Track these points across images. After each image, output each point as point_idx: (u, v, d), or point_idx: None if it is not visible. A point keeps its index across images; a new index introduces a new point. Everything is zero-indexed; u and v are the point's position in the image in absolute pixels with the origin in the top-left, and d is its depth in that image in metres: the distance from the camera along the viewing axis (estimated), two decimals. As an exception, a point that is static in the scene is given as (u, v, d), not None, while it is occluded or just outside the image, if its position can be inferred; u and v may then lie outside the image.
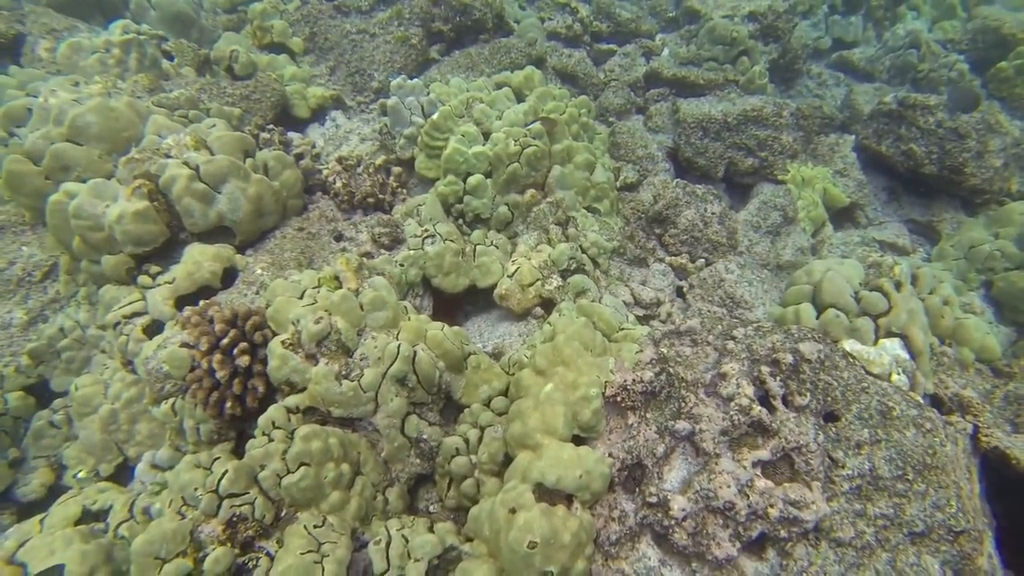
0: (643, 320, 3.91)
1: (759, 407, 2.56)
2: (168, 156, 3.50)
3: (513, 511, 2.16)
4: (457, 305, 4.00)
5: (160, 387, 3.02)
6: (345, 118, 5.13)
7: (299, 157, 4.47)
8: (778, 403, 2.67)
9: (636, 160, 5.06)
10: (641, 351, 2.84)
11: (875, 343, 3.22)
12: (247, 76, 5.08)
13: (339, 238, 3.88)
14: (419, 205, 3.82)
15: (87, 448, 3.09)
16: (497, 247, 3.93)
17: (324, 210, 4.05)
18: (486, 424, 2.79)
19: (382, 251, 3.65)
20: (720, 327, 3.33)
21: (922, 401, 3.10)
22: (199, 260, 3.23)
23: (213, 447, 2.87)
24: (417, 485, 3.00)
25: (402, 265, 3.57)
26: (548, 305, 3.65)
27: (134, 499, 2.77)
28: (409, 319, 3.01)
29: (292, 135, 4.75)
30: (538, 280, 3.62)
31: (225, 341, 2.67)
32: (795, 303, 3.58)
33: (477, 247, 3.85)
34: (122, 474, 3.24)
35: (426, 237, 3.71)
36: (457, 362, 2.99)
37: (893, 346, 3.16)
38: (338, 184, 3.88)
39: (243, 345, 2.71)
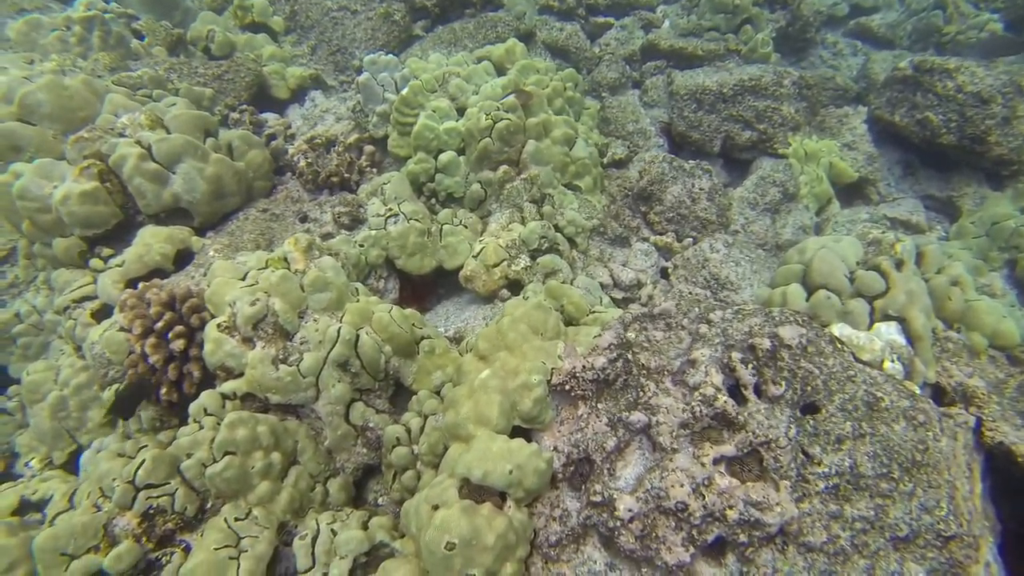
0: (623, 303, 3.67)
1: (725, 397, 2.32)
2: (122, 135, 3.39)
3: (436, 508, 1.97)
4: (429, 287, 3.82)
5: (104, 372, 2.93)
6: (325, 98, 4.97)
7: (271, 137, 4.33)
8: (749, 393, 2.42)
9: (626, 135, 4.78)
10: (600, 335, 2.61)
11: (870, 327, 2.92)
12: (224, 56, 4.96)
13: (304, 219, 3.73)
14: (384, 184, 3.64)
15: (38, 436, 3.02)
16: (466, 226, 3.73)
17: (291, 191, 3.91)
18: (430, 412, 2.61)
19: (343, 231, 3.48)
20: (697, 310, 3.07)
21: (919, 391, 2.80)
22: (150, 242, 3.12)
23: (157, 434, 2.77)
24: (367, 476, 2.85)
25: (362, 245, 3.40)
26: (516, 287, 3.44)
27: (75, 489, 2.68)
28: (358, 301, 2.84)
29: (267, 115, 4.62)
30: (504, 260, 3.40)
31: (160, 325, 2.54)
32: (785, 283, 3.29)
33: (444, 227, 3.66)
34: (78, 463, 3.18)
35: (389, 216, 3.53)
36: (407, 346, 2.81)
37: (889, 330, 2.85)
38: (302, 164, 3.73)
39: (179, 329, 2.58)
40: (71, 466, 3.14)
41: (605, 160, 4.60)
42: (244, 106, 4.38)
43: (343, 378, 2.64)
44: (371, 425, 2.71)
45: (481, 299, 3.50)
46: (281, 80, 4.93)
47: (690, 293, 3.47)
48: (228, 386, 2.61)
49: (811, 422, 2.39)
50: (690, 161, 4.51)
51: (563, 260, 3.57)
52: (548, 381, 2.31)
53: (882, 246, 3.27)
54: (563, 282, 3.39)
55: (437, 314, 3.66)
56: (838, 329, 2.84)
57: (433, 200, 4.00)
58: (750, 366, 2.46)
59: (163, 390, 2.62)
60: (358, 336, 2.65)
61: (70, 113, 3.42)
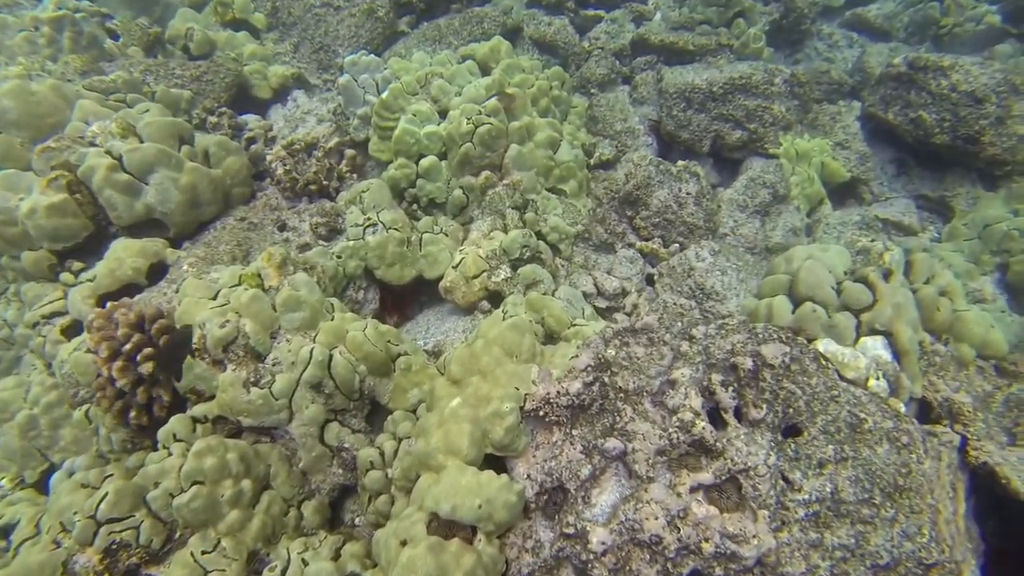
0: (607, 312, 3.61)
1: (704, 423, 2.26)
2: (93, 144, 3.29)
3: (404, 543, 1.93)
4: (411, 296, 3.75)
5: (74, 392, 2.87)
6: (307, 98, 4.86)
7: (251, 141, 4.23)
8: (730, 417, 2.37)
9: (614, 135, 4.68)
10: (576, 355, 2.56)
11: (856, 341, 2.86)
12: (204, 56, 4.84)
13: (283, 228, 3.65)
14: (363, 192, 3.56)
15: (7, 455, 2.97)
16: (447, 234, 3.66)
17: (270, 198, 3.82)
18: (404, 435, 2.56)
19: (320, 242, 3.41)
20: (680, 324, 3.01)
21: (903, 409, 2.75)
22: (121, 256, 3.04)
23: (129, 456, 2.72)
24: (344, 496, 2.80)
25: (339, 257, 3.32)
26: (496, 298, 3.38)
27: (43, 513, 2.63)
28: (333, 318, 2.78)
29: (247, 117, 4.52)
30: (484, 272, 3.33)
31: (128, 347, 2.48)
32: (771, 295, 3.23)
33: (424, 235, 3.58)
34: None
35: (368, 226, 3.45)
36: (382, 365, 2.75)
37: (875, 345, 2.80)
38: (280, 171, 3.63)
39: (148, 351, 2.51)
40: (44, 484, 3.10)
41: (592, 161, 4.51)
42: (223, 109, 4.27)
43: (316, 399, 2.58)
44: (346, 446, 2.66)
45: (460, 311, 3.44)
46: (263, 80, 4.81)
47: (675, 304, 3.41)
48: (199, 409, 2.56)
49: (792, 446, 2.34)
50: (678, 163, 4.42)
51: (545, 270, 3.50)
52: (521, 408, 2.26)
53: (871, 255, 3.20)
54: (544, 293, 3.33)
55: (418, 324, 3.60)
56: (823, 345, 2.79)
57: (415, 206, 3.92)
58: (731, 388, 2.41)
59: (132, 413, 2.56)
60: (331, 356, 2.59)
61: (38, 120, 3.32)
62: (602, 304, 3.59)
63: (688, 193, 3.85)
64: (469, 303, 3.34)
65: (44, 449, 3.00)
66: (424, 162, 3.76)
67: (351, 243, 3.38)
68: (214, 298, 2.68)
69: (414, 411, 2.79)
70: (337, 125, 4.25)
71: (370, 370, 2.72)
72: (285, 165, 3.68)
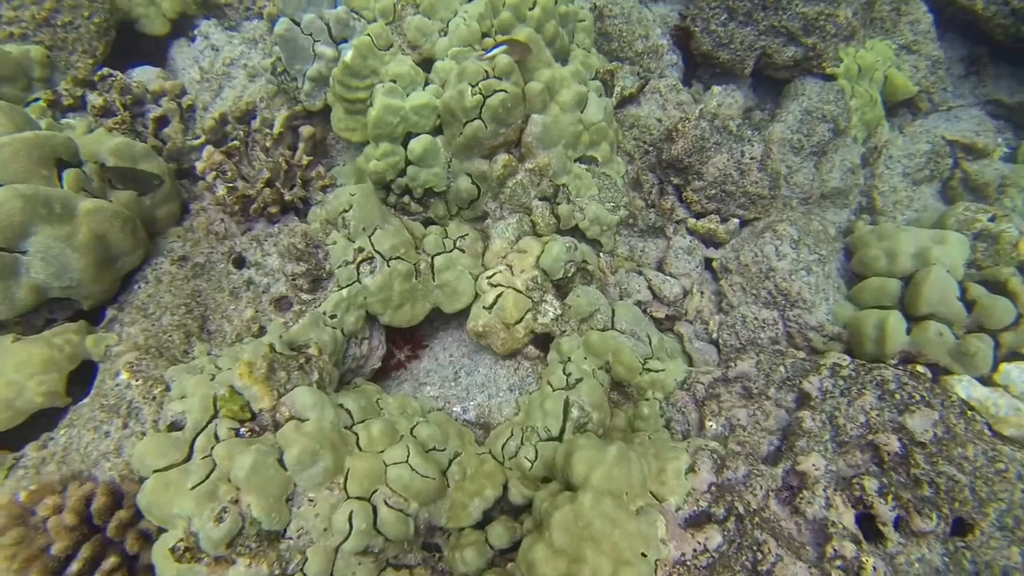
0: (666, 322, 2.99)
1: (870, 561, 1.83)
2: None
3: None
4: (422, 327, 2.99)
5: None
6: (222, 30, 3.47)
7: (161, 124, 3.03)
8: (889, 531, 1.94)
9: (634, 57, 3.65)
10: (693, 468, 2.00)
11: (994, 370, 2.41)
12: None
13: (240, 263, 2.70)
14: (344, 211, 2.60)
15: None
16: (463, 250, 2.82)
17: (211, 219, 2.79)
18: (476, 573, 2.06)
19: (301, 294, 2.52)
20: (782, 369, 2.47)
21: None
22: (18, 380, 2.12)
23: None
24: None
25: (334, 316, 2.49)
26: (544, 338, 2.70)
27: None
28: (359, 448, 2.07)
29: (141, 73, 3.21)
30: (528, 311, 2.60)
31: (73, 569, 1.73)
32: (873, 303, 2.67)
33: (435, 258, 2.74)
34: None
35: (362, 261, 2.57)
36: (437, 490, 2.13)
37: (1022, 377, 2.35)
38: (222, 191, 2.57)
39: (111, 562, 1.78)
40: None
41: (613, 99, 3.53)
42: (104, 71, 2.96)
43: (364, 561, 1.98)
44: (407, 589, 2.13)
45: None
46: (151, 6, 3.38)
47: (755, 319, 2.81)
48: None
49: (968, 555, 1.97)
50: (712, 89, 3.56)
51: (595, 287, 2.78)
52: (655, 584, 1.74)
53: (1000, 244, 2.63)
54: (604, 327, 2.65)
55: (438, 361, 2.90)
56: (964, 389, 2.32)
57: (406, 197, 2.98)
58: (888, 497, 1.95)
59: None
60: (375, 510, 1.95)
61: None
62: (661, 312, 2.95)
63: (752, 158, 3.06)
64: (510, 350, 2.65)
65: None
66: (416, 146, 2.76)
67: (344, 292, 2.52)
68: (187, 457, 1.90)
69: (480, 525, 2.26)
70: (279, 87, 3.06)
71: (423, 502, 2.10)
72: (226, 176, 2.61)
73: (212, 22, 3.48)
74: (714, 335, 2.90)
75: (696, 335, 2.95)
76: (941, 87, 3.88)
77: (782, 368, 2.43)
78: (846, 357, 2.38)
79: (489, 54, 2.66)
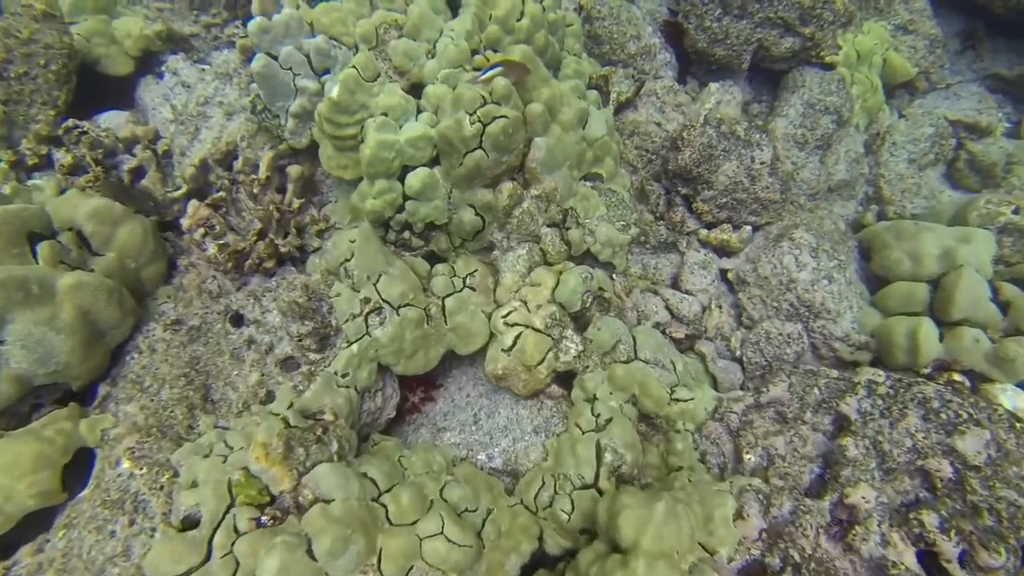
0: (686, 341, 2.89)
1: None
2: None
3: None
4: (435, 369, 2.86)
5: None
6: (191, 64, 3.24)
7: (138, 176, 2.83)
8: (954, 567, 1.88)
9: (627, 59, 3.50)
10: (742, 515, 1.92)
11: (1027, 377, 2.35)
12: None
13: (238, 321, 2.53)
14: (346, 260, 2.44)
15: None
16: (473, 288, 2.68)
17: (203, 275, 2.62)
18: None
19: (309, 354, 2.37)
20: (816, 391, 2.39)
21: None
22: (6, 484, 1.96)
23: None
24: None
25: (346, 375, 2.35)
26: (566, 376, 2.58)
27: None
28: (390, 521, 1.95)
29: (109, 119, 2.99)
30: (549, 351, 2.48)
31: None
32: (901, 308, 2.60)
33: (446, 300, 2.60)
34: None
35: (370, 312, 2.43)
36: (475, 556, 2.03)
37: (1058, 383, 2.30)
38: (212, 249, 2.40)
39: None
40: None
41: (610, 105, 3.39)
42: (69, 123, 2.75)
43: (407, 643, 1.88)
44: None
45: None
46: (111, 44, 3.14)
47: (779, 334, 2.72)
48: None
49: (1025, 582, 1.92)
50: (709, 87, 3.44)
51: (614, 316, 2.67)
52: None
53: (1024, 240, 2.56)
54: (628, 358, 2.54)
55: (454, 401, 2.78)
56: (1009, 399, 2.25)
57: (407, 233, 2.83)
58: (952, 532, 1.88)
59: None
60: (414, 592, 1.83)
61: None
62: (680, 333, 2.85)
63: (763, 163, 2.94)
64: (532, 391, 2.54)
65: None
66: (414, 181, 2.60)
67: (355, 347, 2.38)
68: (208, 560, 1.77)
69: (519, 583, 2.16)
70: (260, 125, 2.87)
71: (461, 572, 1.99)
72: (215, 231, 2.43)
73: (179, 56, 3.25)
74: (737, 352, 2.81)
75: (718, 352, 2.86)
76: (939, 65, 3.79)
77: (816, 390, 2.35)
78: (881, 373, 2.31)
79: (484, 76, 2.49)
